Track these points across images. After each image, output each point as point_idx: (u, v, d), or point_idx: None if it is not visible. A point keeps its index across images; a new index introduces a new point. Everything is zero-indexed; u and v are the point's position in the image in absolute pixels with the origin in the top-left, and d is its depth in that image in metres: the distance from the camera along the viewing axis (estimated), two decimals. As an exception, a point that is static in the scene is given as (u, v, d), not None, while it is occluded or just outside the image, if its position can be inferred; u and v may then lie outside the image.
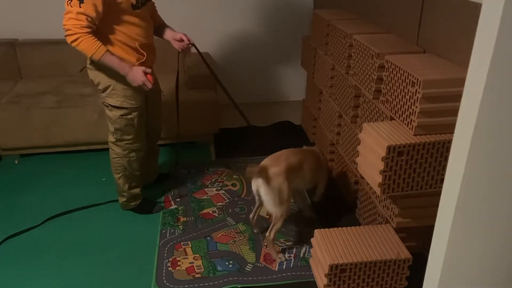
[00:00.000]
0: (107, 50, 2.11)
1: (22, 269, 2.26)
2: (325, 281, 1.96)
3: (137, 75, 2.19)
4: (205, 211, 2.69)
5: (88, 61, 2.29)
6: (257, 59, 4.03)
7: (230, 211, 2.69)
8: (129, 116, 2.35)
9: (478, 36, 1.02)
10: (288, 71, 4.11)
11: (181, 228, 2.54)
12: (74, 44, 2.05)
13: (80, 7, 1.98)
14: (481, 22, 1.00)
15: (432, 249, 1.28)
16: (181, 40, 2.49)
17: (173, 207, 2.73)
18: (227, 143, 3.50)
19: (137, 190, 2.63)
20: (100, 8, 2.03)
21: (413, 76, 1.86)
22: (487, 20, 0.98)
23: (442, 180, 1.91)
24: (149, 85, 2.23)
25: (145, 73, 2.22)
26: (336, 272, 1.94)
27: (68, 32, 2.03)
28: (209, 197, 2.82)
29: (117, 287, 2.16)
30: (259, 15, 3.86)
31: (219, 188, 2.92)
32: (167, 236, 2.48)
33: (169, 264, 2.28)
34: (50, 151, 3.26)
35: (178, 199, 2.81)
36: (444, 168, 1.91)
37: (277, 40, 3.98)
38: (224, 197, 2.83)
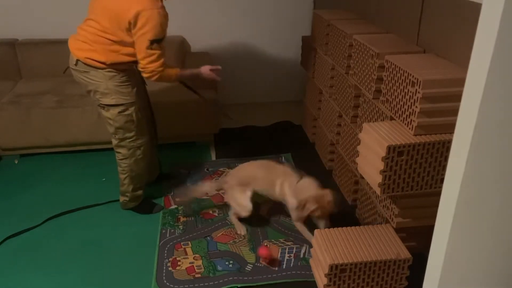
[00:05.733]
0: (178, 69, 2.40)
1: (22, 269, 2.26)
2: (325, 281, 1.96)
3: (206, 74, 2.56)
4: (205, 211, 2.69)
5: (73, 62, 2.31)
6: (257, 59, 4.03)
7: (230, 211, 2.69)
8: (126, 112, 2.36)
9: (478, 36, 1.02)
10: (288, 71, 4.11)
11: (181, 228, 2.54)
12: (159, 79, 2.31)
13: (159, 49, 2.23)
14: (481, 22, 1.00)
15: (432, 249, 1.28)
16: None
17: (173, 207, 2.73)
18: (227, 143, 3.50)
19: (140, 192, 2.63)
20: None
21: (413, 76, 1.86)
22: (487, 20, 0.98)
23: (442, 180, 1.91)
24: (218, 78, 2.60)
25: (211, 69, 2.53)
26: (336, 272, 1.94)
27: (155, 73, 2.28)
28: (209, 197, 2.82)
29: (117, 287, 2.16)
30: (259, 15, 3.86)
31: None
32: (167, 236, 2.48)
33: (169, 264, 2.28)
34: (50, 151, 3.26)
35: (178, 199, 2.80)
36: (444, 168, 1.91)
37: (277, 40, 3.98)
38: (224, 197, 2.82)
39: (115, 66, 2.29)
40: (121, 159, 2.50)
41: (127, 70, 2.36)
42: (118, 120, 2.36)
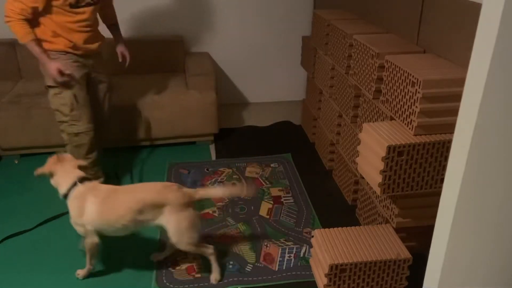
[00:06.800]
0: (34, 40, 2.27)
1: (22, 269, 2.26)
2: (325, 281, 1.96)
3: (50, 69, 2.34)
4: (205, 211, 2.69)
5: None
6: (257, 59, 4.03)
7: (230, 211, 2.69)
8: (61, 95, 2.44)
9: (478, 36, 1.02)
10: (288, 71, 4.11)
11: (181, 228, 2.54)
12: (8, 25, 2.24)
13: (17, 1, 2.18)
14: (481, 22, 1.00)
15: (432, 249, 1.28)
16: (123, 54, 2.76)
17: (173, 207, 2.73)
18: (227, 143, 3.51)
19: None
20: (39, 4, 2.21)
21: (413, 76, 1.86)
22: (487, 20, 0.98)
23: (442, 180, 1.91)
24: (59, 79, 2.36)
25: (60, 71, 2.34)
26: (336, 272, 1.94)
27: (6, 14, 2.22)
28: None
29: (117, 287, 2.16)
30: (259, 15, 3.86)
31: (219, 188, 2.92)
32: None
33: (169, 264, 2.27)
34: (50, 151, 3.25)
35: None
36: (444, 168, 1.91)
37: (277, 40, 3.98)
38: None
39: (46, 46, 2.37)
40: (64, 146, 2.61)
41: (66, 55, 2.43)
42: (53, 102, 2.47)
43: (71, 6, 2.31)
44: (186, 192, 2.01)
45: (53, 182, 2.11)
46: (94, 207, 1.99)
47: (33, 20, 2.28)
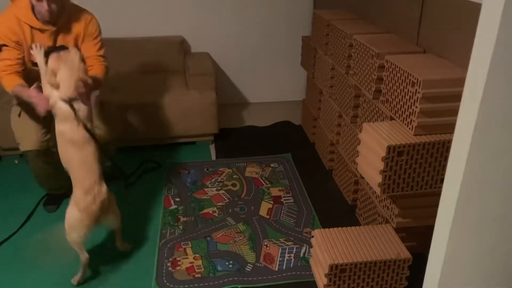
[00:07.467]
0: (16, 85, 2.22)
1: (22, 269, 2.26)
2: (325, 281, 1.96)
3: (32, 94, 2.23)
4: (205, 211, 2.69)
5: None
6: (257, 59, 4.03)
7: (230, 211, 2.69)
8: (11, 114, 2.51)
9: (478, 36, 1.02)
10: (288, 71, 4.11)
11: (181, 228, 2.54)
12: None
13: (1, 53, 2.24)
14: (481, 22, 1.00)
15: (432, 249, 1.28)
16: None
17: (173, 207, 2.73)
18: (227, 143, 3.51)
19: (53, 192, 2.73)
20: (25, 54, 2.27)
21: (413, 76, 1.86)
22: (487, 20, 0.98)
23: (442, 180, 1.91)
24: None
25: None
26: (336, 272, 1.94)
27: None
28: (209, 197, 2.82)
29: (117, 287, 2.16)
30: (259, 15, 3.86)
31: (219, 188, 2.92)
32: (167, 236, 2.48)
33: (169, 264, 2.28)
34: (50, 151, 3.26)
35: (178, 199, 2.81)
36: (444, 168, 1.91)
37: (277, 40, 3.98)
38: (224, 197, 2.83)
39: None
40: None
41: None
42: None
43: (34, 64, 2.29)
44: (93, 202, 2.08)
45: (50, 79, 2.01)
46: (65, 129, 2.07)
47: (25, 69, 2.30)
